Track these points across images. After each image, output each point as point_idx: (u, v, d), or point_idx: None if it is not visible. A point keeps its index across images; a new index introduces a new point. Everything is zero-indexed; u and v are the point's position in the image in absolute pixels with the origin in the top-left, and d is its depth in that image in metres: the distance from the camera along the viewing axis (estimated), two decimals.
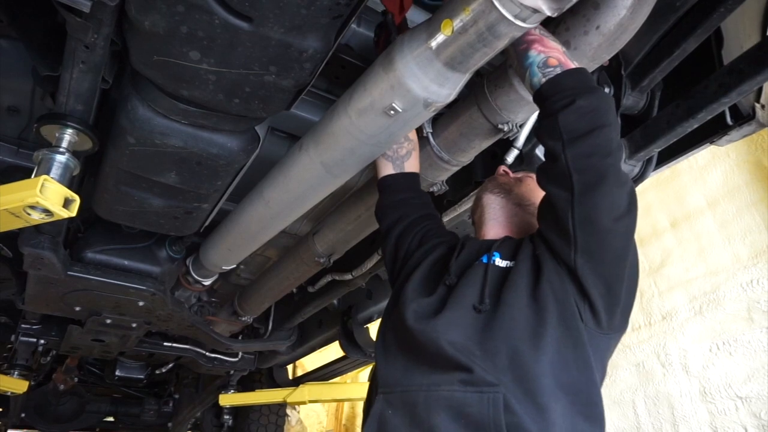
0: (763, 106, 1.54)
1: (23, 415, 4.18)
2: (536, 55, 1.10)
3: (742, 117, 1.54)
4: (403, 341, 1.12)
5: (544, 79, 1.07)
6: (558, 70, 1.07)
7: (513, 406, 0.92)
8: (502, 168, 1.42)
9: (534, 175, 1.35)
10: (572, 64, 1.09)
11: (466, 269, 1.16)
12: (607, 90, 1.51)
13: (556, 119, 1.02)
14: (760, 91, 1.54)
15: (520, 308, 1.03)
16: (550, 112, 1.05)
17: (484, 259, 1.16)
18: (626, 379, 3.82)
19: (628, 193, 1.02)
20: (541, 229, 1.13)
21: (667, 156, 1.68)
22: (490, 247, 1.20)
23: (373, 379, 1.17)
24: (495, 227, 1.32)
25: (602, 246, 1.01)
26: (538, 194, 1.30)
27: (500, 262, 1.14)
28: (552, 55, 1.09)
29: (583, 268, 1.02)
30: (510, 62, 1.25)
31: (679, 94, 1.45)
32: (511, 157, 1.58)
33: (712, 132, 1.58)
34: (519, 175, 1.43)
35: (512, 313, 1.03)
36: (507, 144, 1.59)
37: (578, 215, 1.00)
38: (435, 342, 1.03)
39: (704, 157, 3.54)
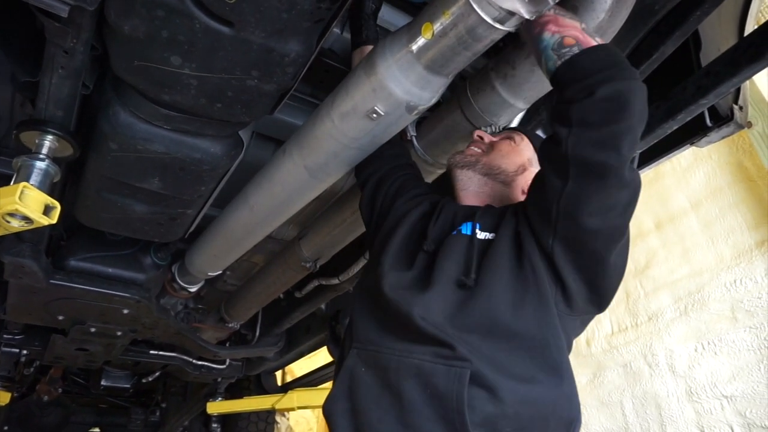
0: (741, 108, 1.57)
1: (6, 427, 4.11)
2: (550, 36, 0.98)
3: (721, 118, 1.57)
4: (378, 303, 1.10)
5: (559, 62, 0.95)
6: (575, 50, 0.94)
7: (480, 380, 0.91)
8: (477, 133, 1.35)
9: (514, 135, 1.33)
10: (592, 41, 0.97)
11: (445, 237, 1.13)
12: None
13: (571, 108, 0.92)
14: (738, 92, 1.57)
15: (501, 285, 1.00)
16: (567, 100, 0.93)
17: (464, 230, 1.12)
18: (614, 380, 3.84)
19: (628, 197, 0.94)
20: (526, 203, 1.08)
21: (649, 157, 1.70)
22: (468, 215, 1.16)
23: (349, 328, 1.15)
24: (468, 197, 1.30)
25: (581, 243, 0.97)
26: (510, 159, 1.28)
27: (480, 234, 1.10)
28: (568, 34, 0.96)
29: (559, 256, 0.99)
30: (528, 51, 1.20)
31: (658, 96, 1.47)
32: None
33: (692, 134, 1.61)
34: (497, 137, 1.35)
35: (494, 289, 1.00)
36: None
37: (564, 207, 0.95)
38: (408, 316, 1.01)
39: (687, 158, 3.59)
